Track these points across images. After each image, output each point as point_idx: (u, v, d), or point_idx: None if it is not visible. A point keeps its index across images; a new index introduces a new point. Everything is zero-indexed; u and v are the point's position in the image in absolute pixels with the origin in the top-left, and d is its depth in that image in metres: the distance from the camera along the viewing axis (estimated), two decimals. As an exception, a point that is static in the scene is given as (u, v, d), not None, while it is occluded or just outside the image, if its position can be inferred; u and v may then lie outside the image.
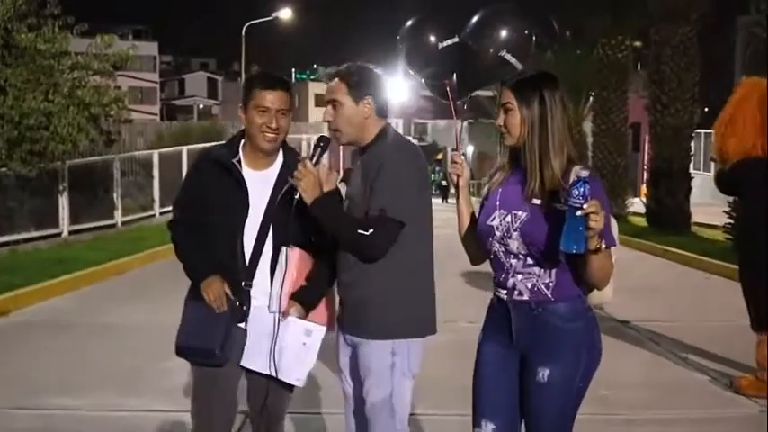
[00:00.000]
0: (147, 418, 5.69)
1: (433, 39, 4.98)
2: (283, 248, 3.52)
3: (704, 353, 7.26)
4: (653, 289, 10.73)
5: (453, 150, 3.50)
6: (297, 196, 3.39)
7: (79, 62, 14.79)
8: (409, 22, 5.10)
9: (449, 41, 4.94)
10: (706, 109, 22.79)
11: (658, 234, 16.26)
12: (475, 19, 5.00)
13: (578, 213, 2.73)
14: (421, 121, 69.88)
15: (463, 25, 5.04)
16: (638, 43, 23.64)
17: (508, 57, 4.80)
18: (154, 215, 19.40)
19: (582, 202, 2.72)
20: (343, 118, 3.45)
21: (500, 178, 3.19)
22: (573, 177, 2.83)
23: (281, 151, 3.64)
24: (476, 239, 3.25)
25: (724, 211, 13.53)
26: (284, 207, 3.48)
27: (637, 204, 21.45)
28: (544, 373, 3.02)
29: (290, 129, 3.61)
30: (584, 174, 2.77)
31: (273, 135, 3.51)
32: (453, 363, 6.79)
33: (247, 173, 3.56)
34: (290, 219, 3.45)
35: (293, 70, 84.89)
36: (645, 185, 20.71)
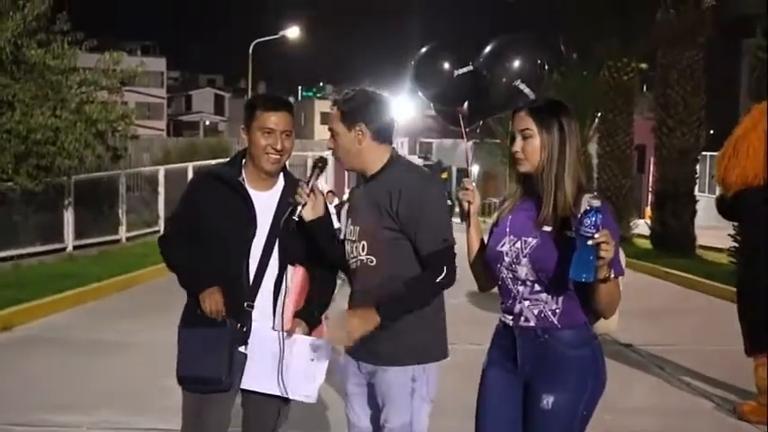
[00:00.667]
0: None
1: (447, 66, 5.01)
2: (289, 267, 3.53)
3: (708, 378, 7.23)
4: (656, 312, 10.70)
5: (465, 177, 3.50)
6: (297, 216, 3.38)
7: (87, 78, 14.87)
8: (424, 49, 5.14)
9: (464, 69, 4.98)
10: (712, 132, 22.81)
11: (663, 256, 16.23)
12: (489, 48, 5.05)
13: (589, 243, 2.74)
14: (426, 140, 69.93)
15: (477, 53, 5.08)
16: (644, 65, 23.69)
17: (522, 86, 4.83)
18: (159, 231, 19.42)
19: (593, 231, 2.73)
20: (340, 147, 3.45)
21: (510, 205, 3.19)
22: (585, 206, 2.83)
23: (281, 173, 3.63)
24: (485, 265, 3.25)
25: (729, 234, 13.50)
26: (287, 227, 3.47)
27: (641, 226, 21.43)
28: (548, 400, 3.01)
29: (293, 149, 3.60)
30: (597, 203, 2.78)
31: (277, 156, 3.50)
32: (457, 386, 6.79)
33: (251, 193, 3.54)
34: (291, 237, 3.45)
35: (300, 88, 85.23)
36: (650, 207, 20.69)
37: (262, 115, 3.49)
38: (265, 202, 3.55)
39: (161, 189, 19.98)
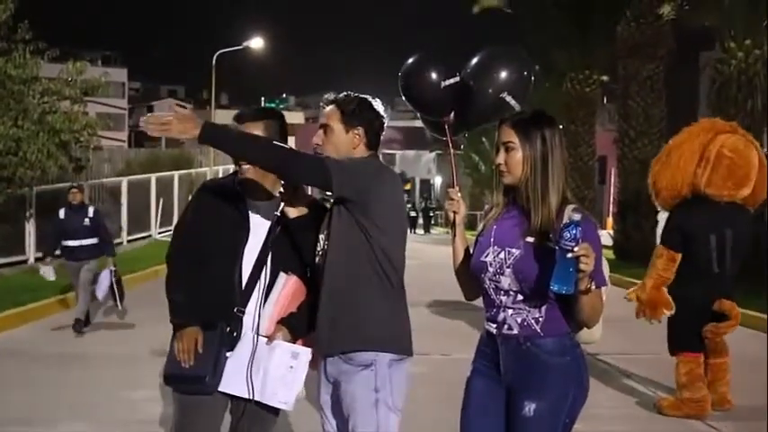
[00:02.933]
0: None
1: (434, 76, 5.05)
2: (281, 275, 3.53)
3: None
4: (620, 321, 10.69)
5: (450, 188, 3.50)
6: (279, 212, 3.43)
7: (50, 88, 14.71)
8: (411, 60, 5.18)
9: (450, 80, 5.02)
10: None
11: (625, 266, 16.40)
12: (476, 59, 5.09)
13: (569, 255, 2.77)
14: (389, 151, 70.15)
15: (463, 65, 5.12)
16: (605, 77, 24.01)
17: (508, 99, 4.87)
18: (122, 242, 19.23)
19: (573, 245, 2.76)
20: (331, 144, 3.49)
21: (495, 215, 3.21)
22: (566, 218, 2.86)
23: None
24: (469, 275, 3.26)
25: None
26: (282, 237, 3.49)
27: (604, 237, 21.55)
28: (530, 408, 3.03)
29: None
30: (577, 216, 2.81)
31: (247, 167, 3.52)
32: (428, 395, 6.82)
33: (250, 202, 3.58)
34: (288, 246, 3.46)
35: (263, 99, 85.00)
36: (612, 218, 20.93)
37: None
38: (264, 210, 3.57)
39: (124, 200, 19.81)
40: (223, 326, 3.47)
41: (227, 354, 3.50)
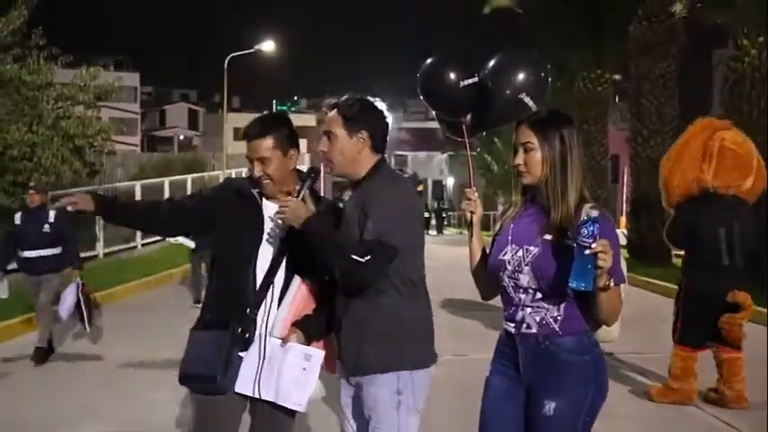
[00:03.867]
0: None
1: (453, 77, 5.07)
2: (296, 278, 3.54)
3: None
4: (637, 321, 10.68)
5: (468, 188, 3.49)
6: (278, 222, 3.42)
7: (64, 93, 14.80)
8: (429, 60, 5.20)
9: (469, 81, 5.04)
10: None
11: (640, 266, 16.36)
12: (494, 61, 5.11)
13: (587, 252, 2.77)
14: (401, 152, 70.19)
15: (482, 65, 5.14)
16: (617, 76, 23.93)
17: (526, 99, 4.89)
18: (136, 246, 19.31)
19: (591, 241, 2.77)
20: (336, 150, 3.45)
21: (513, 213, 3.22)
22: (583, 216, 2.87)
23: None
24: (487, 274, 3.27)
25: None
26: (299, 239, 3.47)
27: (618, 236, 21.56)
28: (551, 406, 3.03)
29: (285, 166, 3.56)
30: (595, 213, 2.82)
31: (263, 181, 3.56)
32: (444, 396, 6.82)
33: (266, 203, 3.60)
34: (304, 250, 3.45)
35: (274, 101, 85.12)
36: (625, 217, 20.87)
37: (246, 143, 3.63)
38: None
39: (138, 204, 19.83)
40: (235, 326, 3.49)
41: (241, 354, 3.52)
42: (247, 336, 3.52)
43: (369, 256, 3.22)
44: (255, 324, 3.54)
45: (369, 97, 3.57)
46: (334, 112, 3.47)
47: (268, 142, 3.54)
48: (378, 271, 3.28)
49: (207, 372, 3.46)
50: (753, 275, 8.43)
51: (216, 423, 3.58)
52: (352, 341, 3.42)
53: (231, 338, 3.48)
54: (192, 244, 11.19)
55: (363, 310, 3.37)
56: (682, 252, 6.86)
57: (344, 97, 3.53)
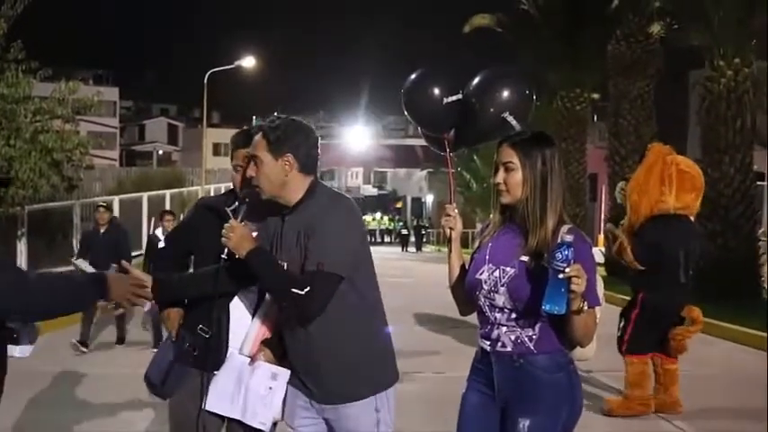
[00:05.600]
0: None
1: (437, 93, 5.10)
2: (267, 296, 3.51)
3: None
4: (613, 338, 10.81)
5: (447, 204, 3.46)
6: (225, 254, 3.33)
7: (43, 107, 14.73)
8: (413, 75, 5.22)
9: (453, 98, 5.06)
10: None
11: (617, 283, 16.40)
12: (479, 78, 5.13)
13: (561, 276, 2.79)
14: (381, 169, 70.27)
15: (466, 82, 5.16)
16: (595, 95, 24.16)
17: (509, 118, 4.90)
18: (113, 261, 19.17)
19: (564, 266, 2.78)
20: (263, 175, 3.31)
21: (491, 232, 3.22)
22: (559, 239, 2.88)
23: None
24: (464, 291, 3.27)
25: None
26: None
27: (596, 254, 21.66)
28: (525, 424, 3.04)
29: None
30: (569, 238, 2.84)
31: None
32: (422, 413, 6.82)
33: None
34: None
35: (254, 117, 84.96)
36: (603, 235, 20.97)
37: None
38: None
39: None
40: (183, 341, 3.61)
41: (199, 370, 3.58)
42: (195, 350, 3.56)
43: (308, 288, 3.15)
44: (209, 341, 3.55)
45: (295, 117, 3.43)
46: (259, 136, 3.33)
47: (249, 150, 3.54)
48: (319, 302, 3.19)
49: (152, 378, 3.68)
50: (701, 291, 8.70)
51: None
52: (318, 370, 3.35)
53: (177, 350, 3.62)
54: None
55: (327, 338, 3.29)
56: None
57: (268, 119, 3.42)
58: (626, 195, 7.26)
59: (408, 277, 16.99)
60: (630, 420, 6.89)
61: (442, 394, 7.17)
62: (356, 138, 60.52)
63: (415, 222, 47.72)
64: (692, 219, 7.18)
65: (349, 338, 3.31)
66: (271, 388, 3.49)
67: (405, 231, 46.21)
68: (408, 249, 42.81)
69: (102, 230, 10.76)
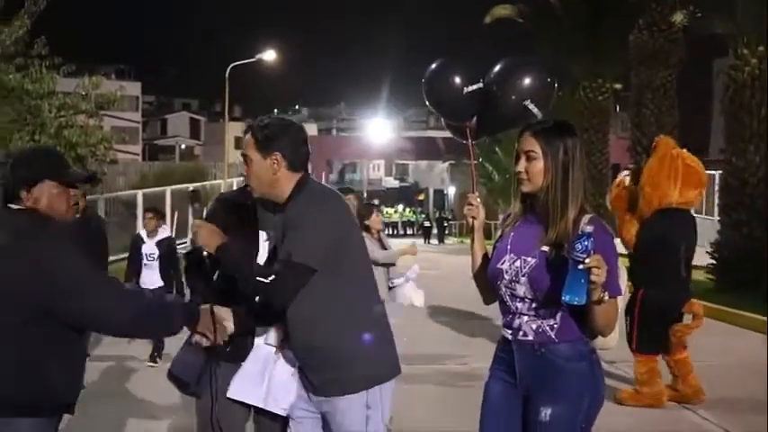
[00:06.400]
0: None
1: (458, 81, 5.11)
2: None
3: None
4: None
5: (470, 193, 3.49)
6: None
7: (66, 102, 14.87)
8: (434, 65, 5.23)
9: (473, 87, 5.07)
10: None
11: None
12: (500, 66, 5.13)
13: (580, 267, 2.80)
14: (402, 161, 70.23)
15: (486, 70, 5.17)
16: (618, 85, 23.99)
17: (531, 106, 4.90)
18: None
19: (584, 256, 2.79)
20: (253, 173, 3.42)
21: (512, 222, 3.23)
22: (580, 230, 2.88)
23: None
24: (487, 279, 3.29)
25: (707, 252, 13.67)
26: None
27: (618, 245, 21.57)
28: (546, 413, 3.05)
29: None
30: (589, 228, 2.84)
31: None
32: (446, 405, 6.85)
33: (259, 214, 3.63)
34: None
35: (276, 110, 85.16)
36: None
37: None
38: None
39: (139, 213, 19.88)
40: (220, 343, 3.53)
41: (225, 363, 3.60)
42: (228, 349, 3.54)
43: (273, 277, 3.22)
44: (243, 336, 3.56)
45: (283, 116, 3.54)
46: (248, 135, 3.43)
47: (246, 144, 3.54)
48: (284, 290, 3.25)
49: (183, 376, 3.62)
50: (725, 281, 8.63)
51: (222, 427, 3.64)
52: (312, 362, 3.40)
53: (208, 348, 3.50)
54: None
55: (318, 332, 3.35)
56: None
57: (258, 119, 3.52)
58: (620, 186, 7.41)
59: (432, 269, 17.02)
60: (654, 411, 6.88)
61: (465, 385, 7.23)
62: (377, 130, 60.53)
63: (437, 214, 47.64)
64: (691, 212, 7.28)
65: (340, 333, 3.35)
66: (293, 375, 3.54)
67: (427, 223, 46.19)
68: (431, 241, 42.78)
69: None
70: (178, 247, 9.90)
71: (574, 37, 21.71)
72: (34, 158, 3.23)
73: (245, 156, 3.43)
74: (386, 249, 7.05)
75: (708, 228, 14.80)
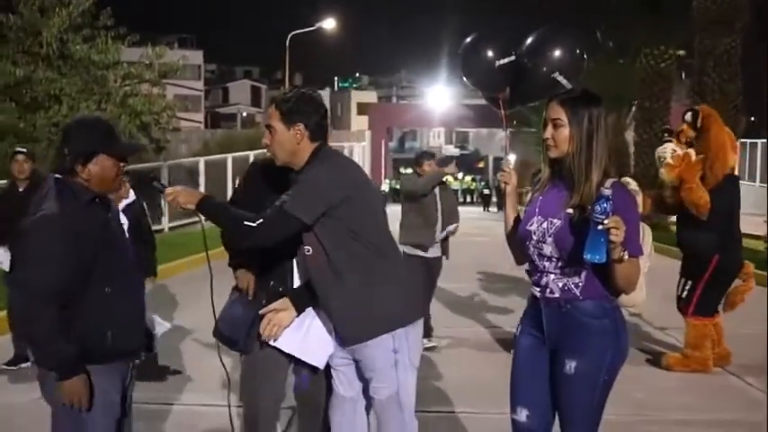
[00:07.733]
0: (197, 412, 5.98)
1: (491, 54, 5.26)
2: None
3: (740, 359, 7.35)
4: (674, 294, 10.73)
5: (503, 159, 3.70)
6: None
7: (131, 72, 15.26)
8: (469, 39, 5.39)
9: (506, 59, 5.22)
10: (753, 119, 22.56)
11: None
12: (531, 39, 5.26)
13: (599, 228, 2.98)
14: (462, 129, 69.85)
15: (519, 43, 5.30)
16: (681, 52, 23.52)
17: (560, 78, 5.03)
18: (199, 221, 19.71)
19: (603, 217, 2.97)
20: (276, 143, 3.63)
21: (541, 186, 3.43)
22: (600, 192, 3.05)
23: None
24: (518, 241, 3.48)
25: (766, 221, 13.49)
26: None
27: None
28: (571, 365, 3.26)
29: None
30: (607, 192, 3.01)
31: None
32: (481, 364, 7.06)
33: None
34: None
35: (336, 78, 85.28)
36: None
37: None
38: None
39: (201, 180, 20.31)
40: (262, 298, 3.82)
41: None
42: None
43: (261, 221, 3.44)
44: (283, 294, 3.79)
45: (305, 89, 3.72)
46: (272, 107, 3.64)
47: (268, 114, 3.74)
48: (270, 231, 3.47)
49: (232, 334, 3.86)
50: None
51: (261, 378, 3.90)
52: (336, 313, 3.63)
53: (258, 307, 3.78)
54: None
55: (338, 285, 3.56)
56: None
57: (281, 91, 3.75)
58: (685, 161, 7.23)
59: (485, 236, 17.10)
60: (701, 376, 6.95)
61: (497, 345, 7.54)
62: (438, 97, 60.25)
63: (497, 182, 47.26)
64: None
65: (359, 283, 3.55)
66: (330, 331, 3.77)
67: (486, 191, 46.03)
68: (490, 209, 42.68)
69: (21, 187, 7.20)
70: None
71: (636, 2, 21.35)
72: (89, 131, 3.35)
73: (269, 126, 3.64)
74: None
75: (748, 192, 14.76)
